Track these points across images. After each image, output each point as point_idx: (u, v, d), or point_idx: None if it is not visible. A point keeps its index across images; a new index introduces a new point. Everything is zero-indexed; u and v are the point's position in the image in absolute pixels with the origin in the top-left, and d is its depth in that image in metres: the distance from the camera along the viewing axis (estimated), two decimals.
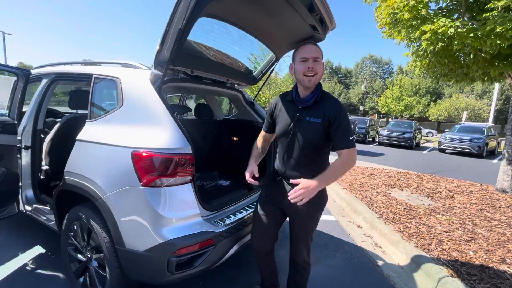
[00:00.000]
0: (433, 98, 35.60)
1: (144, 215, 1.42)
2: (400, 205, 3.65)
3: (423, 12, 3.17)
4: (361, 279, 2.23)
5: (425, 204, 3.76)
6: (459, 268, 2.30)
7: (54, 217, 1.92)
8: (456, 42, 2.98)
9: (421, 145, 15.65)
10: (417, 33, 3.25)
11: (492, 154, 12.36)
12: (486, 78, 4.05)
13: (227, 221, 1.67)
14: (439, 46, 3.13)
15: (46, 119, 2.45)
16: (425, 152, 12.53)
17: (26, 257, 2.15)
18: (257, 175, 1.54)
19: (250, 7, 1.74)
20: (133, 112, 1.60)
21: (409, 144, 13.01)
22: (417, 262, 2.36)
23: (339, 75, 48.50)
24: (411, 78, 33.47)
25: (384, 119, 35.27)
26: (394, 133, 13.50)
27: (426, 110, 32.74)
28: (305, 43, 1.42)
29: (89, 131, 1.69)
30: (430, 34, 3.07)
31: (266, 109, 1.65)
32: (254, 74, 2.68)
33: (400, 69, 42.54)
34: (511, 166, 4.05)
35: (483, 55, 3.54)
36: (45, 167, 2.28)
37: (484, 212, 3.55)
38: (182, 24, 1.44)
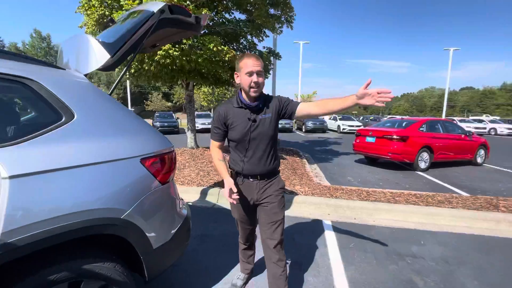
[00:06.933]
0: None
1: (169, 209, 1.66)
2: None
3: None
4: None
5: None
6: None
7: None
8: (177, 60, 4.80)
9: None
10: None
11: None
12: (171, 81, 6.47)
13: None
14: (168, 61, 4.76)
15: None
16: None
17: None
18: (235, 190, 1.53)
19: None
20: (98, 122, 1.45)
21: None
22: None
23: None
24: None
25: None
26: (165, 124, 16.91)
27: None
28: (248, 55, 1.54)
29: (35, 158, 1.16)
30: (164, 52, 4.58)
31: (213, 121, 1.76)
32: None
33: None
34: (192, 133, 7.14)
35: (172, 67, 5.75)
36: None
37: (196, 160, 6.13)
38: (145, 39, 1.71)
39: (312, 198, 3.99)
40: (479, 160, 7.70)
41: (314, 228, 3.19)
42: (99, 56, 1.53)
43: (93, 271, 1.32)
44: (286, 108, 1.66)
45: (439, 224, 3.40)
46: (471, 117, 30.00)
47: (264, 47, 7.43)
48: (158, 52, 4.60)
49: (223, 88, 7.49)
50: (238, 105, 1.63)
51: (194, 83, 6.99)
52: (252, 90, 1.54)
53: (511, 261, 2.55)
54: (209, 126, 19.01)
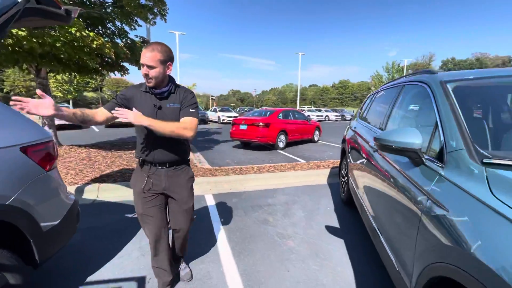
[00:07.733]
0: None
1: (56, 193, 1.77)
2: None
3: None
4: None
5: None
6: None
7: None
8: (25, 42, 3.97)
9: None
10: None
11: None
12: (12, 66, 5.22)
13: None
14: (10, 41, 3.84)
15: None
16: None
17: None
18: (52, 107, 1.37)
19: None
20: None
21: None
22: None
23: None
24: None
25: None
26: None
27: None
28: (147, 46, 1.52)
29: None
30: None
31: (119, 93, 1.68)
32: None
33: None
34: (51, 129, 5.97)
35: (14, 49, 4.70)
36: None
37: (61, 159, 5.32)
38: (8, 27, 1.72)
39: (196, 179, 4.55)
40: (315, 138, 10.66)
41: (199, 201, 3.79)
42: None
43: None
44: (183, 107, 1.66)
45: (287, 183, 4.79)
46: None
47: (136, 36, 7.14)
48: None
49: (88, 76, 6.66)
50: (145, 90, 1.63)
51: (49, 70, 5.86)
52: (146, 80, 1.57)
53: (320, 196, 4.13)
54: (68, 122, 15.96)
